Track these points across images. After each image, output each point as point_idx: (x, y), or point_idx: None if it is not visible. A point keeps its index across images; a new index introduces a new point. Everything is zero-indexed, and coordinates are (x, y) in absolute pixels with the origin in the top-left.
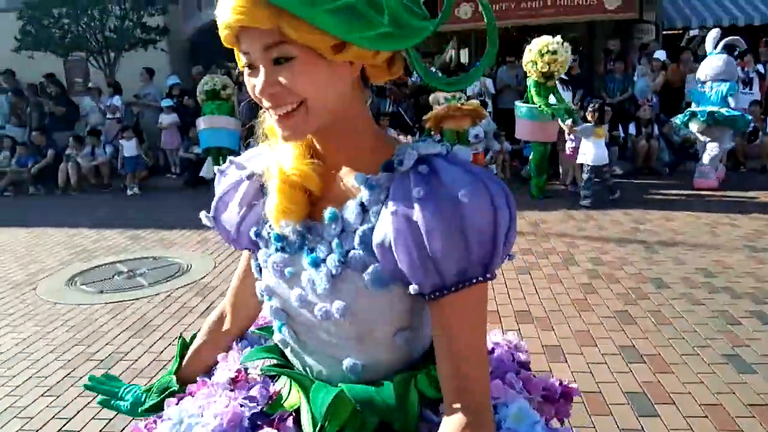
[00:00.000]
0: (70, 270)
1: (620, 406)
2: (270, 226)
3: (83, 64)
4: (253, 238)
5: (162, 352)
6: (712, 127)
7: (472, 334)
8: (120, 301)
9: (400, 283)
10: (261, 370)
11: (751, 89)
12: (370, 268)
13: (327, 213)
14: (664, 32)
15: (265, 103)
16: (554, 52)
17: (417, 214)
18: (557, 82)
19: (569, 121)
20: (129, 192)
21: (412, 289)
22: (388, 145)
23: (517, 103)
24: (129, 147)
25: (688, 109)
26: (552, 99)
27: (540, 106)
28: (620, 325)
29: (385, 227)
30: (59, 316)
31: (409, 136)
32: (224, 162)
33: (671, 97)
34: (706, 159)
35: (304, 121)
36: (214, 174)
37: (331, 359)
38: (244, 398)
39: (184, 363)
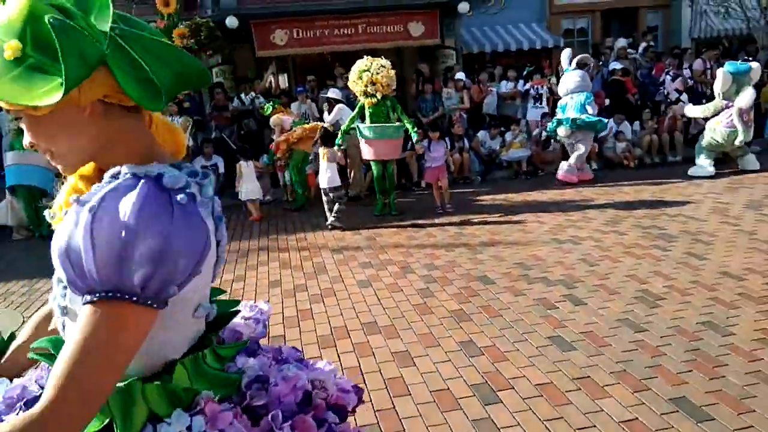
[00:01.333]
0: None
1: (467, 399)
2: None
3: None
4: None
5: None
6: (575, 132)
7: (82, 348)
8: None
9: None
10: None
11: (542, 104)
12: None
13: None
14: (464, 55)
15: None
16: (367, 70)
17: (81, 220)
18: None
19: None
20: None
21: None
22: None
23: (360, 125)
24: None
25: (555, 118)
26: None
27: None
28: (458, 323)
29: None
30: None
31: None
32: (37, 202)
33: (474, 113)
34: (573, 159)
35: (61, 162)
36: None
37: None
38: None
39: (4, 359)
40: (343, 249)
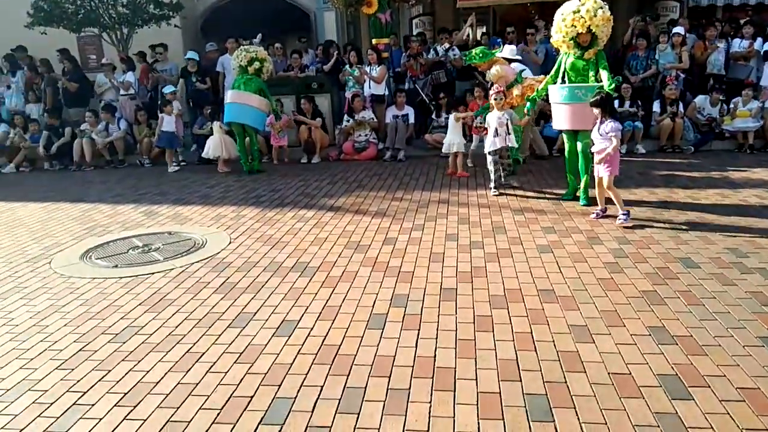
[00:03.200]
0: (85, 245)
1: (651, 389)
2: None
3: (96, 40)
4: None
5: (178, 326)
6: None
7: None
8: (135, 276)
9: None
10: None
11: None
12: None
13: None
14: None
15: None
16: (577, 11)
17: None
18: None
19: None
20: (170, 169)
21: None
22: None
23: (556, 86)
24: (168, 122)
25: None
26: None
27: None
28: (649, 305)
29: None
30: (74, 290)
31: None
32: (246, 140)
33: (695, 75)
34: None
35: None
36: (216, 157)
37: None
38: None
39: None
40: (525, 210)
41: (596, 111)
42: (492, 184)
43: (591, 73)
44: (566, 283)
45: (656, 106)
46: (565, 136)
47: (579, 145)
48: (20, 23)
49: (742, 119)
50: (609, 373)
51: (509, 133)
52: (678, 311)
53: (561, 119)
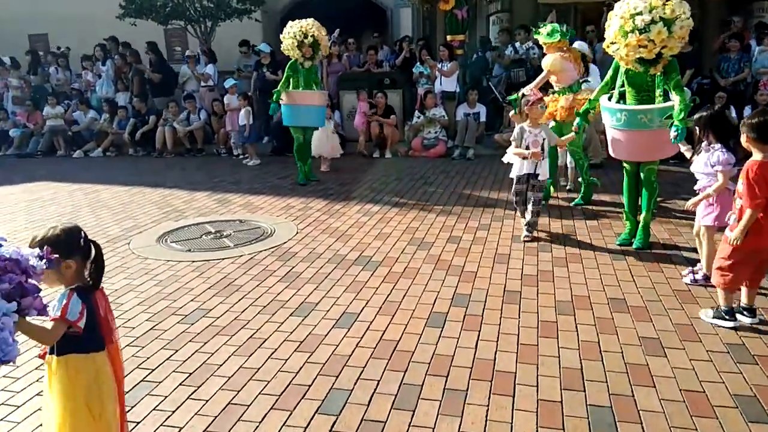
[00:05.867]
0: (162, 228)
1: (726, 409)
2: None
3: (182, 32)
4: None
5: (243, 311)
6: None
7: None
8: (206, 260)
9: None
10: None
11: None
12: None
13: None
14: None
15: None
16: (639, 13)
17: None
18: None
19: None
20: (251, 162)
21: None
22: None
23: (606, 102)
24: (242, 116)
25: None
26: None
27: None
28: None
29: None
30: (149, 271)
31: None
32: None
33: None
34: None
35: None
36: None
37: None
38: None
39: None
40: (597, 215)
41: (698, 132)
42: (524, 223)
43: (658, 91)
44: (639, 293)
45: (748, 112)
46: (624, 162)
47: (642, 174)
48: (112, 14)
49: None
50: (681, 390)
51: (544, 157)
52: (761, 329)
53: (619, 147)
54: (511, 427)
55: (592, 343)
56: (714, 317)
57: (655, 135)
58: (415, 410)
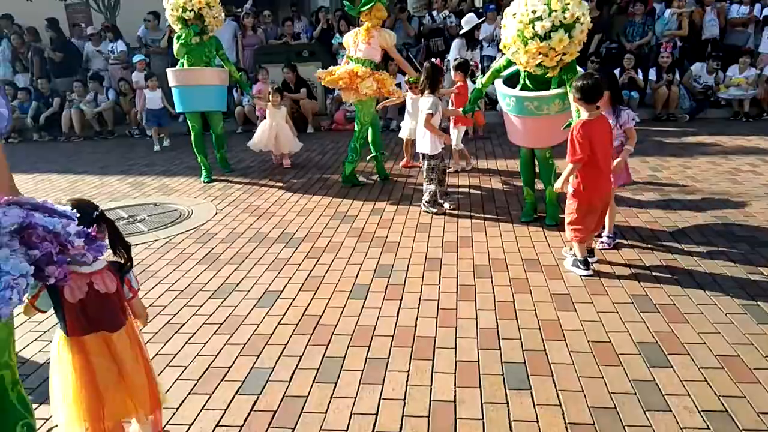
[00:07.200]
0: None
1: (630, 356)
2: None
3: (85, 8)
4: None
5: (159, 297)
6: None
7: None
8: None
9: None
10: None
11: None
12: None
13: None
14: None
15: None
16: (543, 36)
17: None
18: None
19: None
20: (156, 148)
21: None
22: None
23: (502, 87)
24: (153, 99)
25: None
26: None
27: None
28: (634, 274)
29: None
30: None
31: None
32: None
33: (692, 42)
34: None
35: None
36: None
37: None
38: None
39: None
40: (516, 184)
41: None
42: (425, 198)
43: (554, 86)
44: (551, 252)
45: (652, 74)
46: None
47: (537, 154)
48: None
49: (738, 87)
50: (589, 341)
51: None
52: (661, 279)
53: (514, 133)
54: (431, 389)
55: (507, 303)
56: (573, 266)
57: (542, 122)
58: (337, 382)
